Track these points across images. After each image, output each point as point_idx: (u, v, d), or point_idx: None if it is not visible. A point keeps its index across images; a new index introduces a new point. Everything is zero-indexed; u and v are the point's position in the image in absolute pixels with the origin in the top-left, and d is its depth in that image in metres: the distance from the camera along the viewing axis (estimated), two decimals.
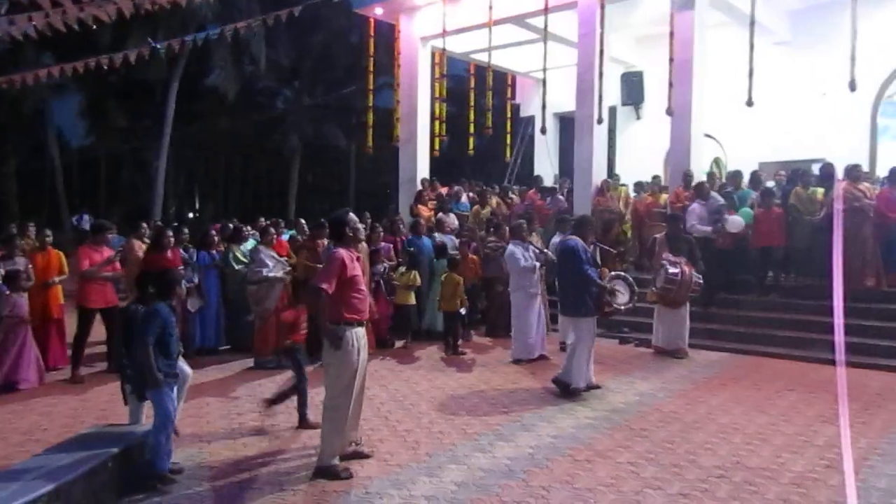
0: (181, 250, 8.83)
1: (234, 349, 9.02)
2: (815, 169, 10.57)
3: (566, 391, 6.73)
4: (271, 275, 8.21)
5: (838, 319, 7.34)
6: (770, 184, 10.68)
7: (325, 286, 4.66)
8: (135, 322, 4.88)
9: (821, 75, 12.51)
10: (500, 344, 9.34)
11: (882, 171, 10.71)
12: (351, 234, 4.95)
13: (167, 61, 22.15)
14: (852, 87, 9.13)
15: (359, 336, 4.82)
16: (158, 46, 9.75)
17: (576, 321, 6.85)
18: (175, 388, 4.79)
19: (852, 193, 8.89)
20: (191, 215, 35.05)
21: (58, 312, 8.13)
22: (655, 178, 12.91)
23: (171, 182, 28.87)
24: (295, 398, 5.94)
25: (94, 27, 8.39)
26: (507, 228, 10.58)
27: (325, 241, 8.57)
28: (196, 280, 8.77)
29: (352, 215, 5.05)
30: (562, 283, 7.12)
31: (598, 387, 6.94)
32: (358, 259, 4.99)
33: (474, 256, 10.01)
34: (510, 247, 8.56)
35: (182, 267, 8.25)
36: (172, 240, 8.22)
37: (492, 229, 10.47)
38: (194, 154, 32.10)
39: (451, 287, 9.13)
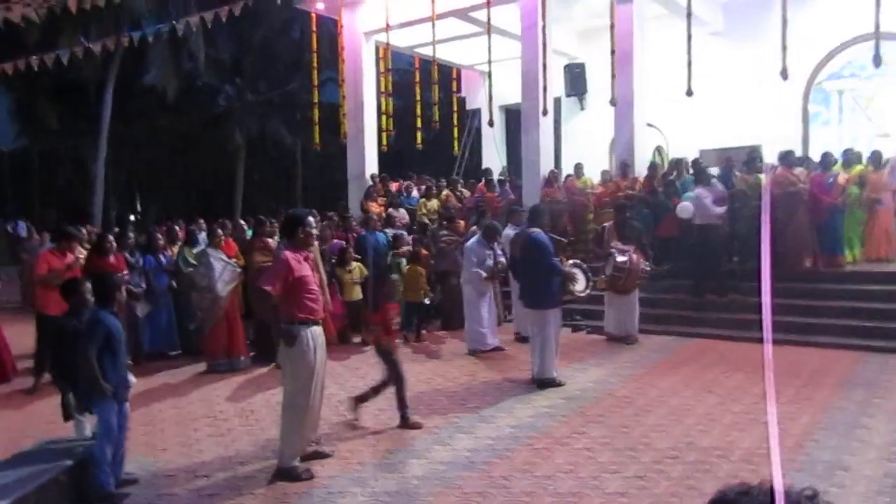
0: (126, 254, 8.58)
1: (186, 353, 8.84)
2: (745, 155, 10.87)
3: (550, 385, 6.73)
4: (217, 287, 8.05)
5: (765, 298, 7.54)
6: (714, 170, 10.96)
7: (268, 288, 4.61)
8: (67, 334, 4.75)
9: (755, 65, 12.90)
10: (455, 336, 9.38)
11: (814, 156, 11.11)
12: (303, 236, 4.86)
13: (102, 60, 21.41)
14: (784, 75, 9.45)
15: (315, 335, 4.76)
16: (90, 45, 9.39)
17: (542, 313, 6.82)
18: (124, 404, 4.64)
19: (787, 178, 9.21)
20: (132, 217, 34.03)
21: None
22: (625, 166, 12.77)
23: (110, 183, 27.93)
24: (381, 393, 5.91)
25: (23, 25, 8.05)
26: (463, 222, 10.70)
27: (275, 239, 8.48)
28: (143, 285, 8.54)
29: (311, 217, 4.97)
30: (526, 275, 7.05)
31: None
32: (307, 259, 4.92)
33: (426, 252, 10.07)
34: (472, 243, 8.59)
35: (127, 272, 8.02)
36: (115, 244, 8.01)
37: (445, 223, 10.53)
38: (134, 154, 31.07)
39: (414, 278, 9.31)
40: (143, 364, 8.11)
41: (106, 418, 4.41)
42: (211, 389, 7.21)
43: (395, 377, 5.75)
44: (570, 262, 7.30)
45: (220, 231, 8.87)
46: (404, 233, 10.46)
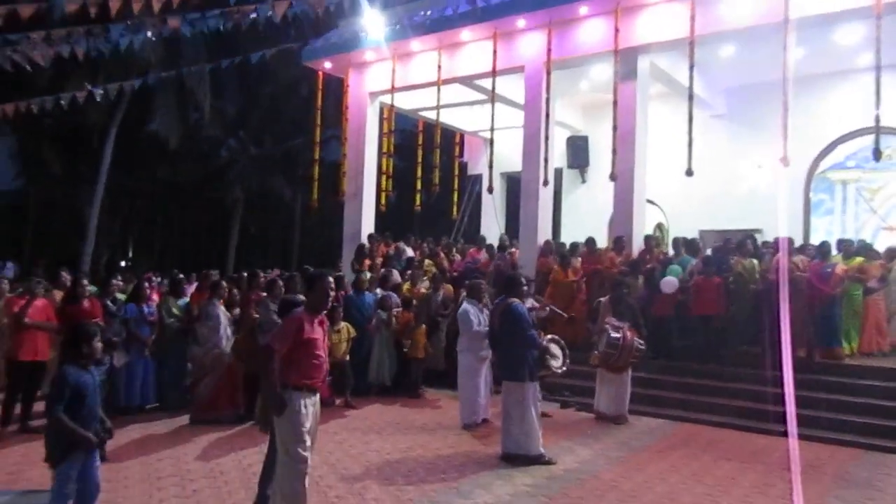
0: (108, 302, 8.59)
1: (163, 408, 8.75)
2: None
3: (537, 462, 6.64)
4: (222, 342, 8.19)
5: (788, 390, 7.55)
6: (708, 251, 11.07)
7: (277, 347, 4.53)
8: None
9: (757, 149, 13.22)
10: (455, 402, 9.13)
11: (816, 244, 11.22)
12: (321, 298, 4.75)
13: (107, 106, 21.89)
14: (784, 162, 9.66)
15: (309, 403, 4.63)
16: (96, 91, 9.68)
17: (521, 386, 6.77)
18: (94, 471, 4.49)
19: (785, 265, 9.31)
20: (122, 264, 34.06)
21: None
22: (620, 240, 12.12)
23: (103, 231, 28.04)
24: None
25: (29, 69, 8.30)
26: (451, 287, 10.78)
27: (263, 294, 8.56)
28: (123, 334, 8.51)
29: (330, 278, 4.85)
30: (504, 346, 7.02)
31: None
32: (322, 323, 4.81)
33: (408, 314, 10.32)
34: (465, 305, 8.48)
35: (100, 319, 8.02)
36: (87, 289, 8.07)
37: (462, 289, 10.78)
38: (130, 202, 31.41)
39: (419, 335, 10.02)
40: (116, 418, 7.98)
41: (61, 484, 4.29)
42: (181, 447, 7.09)
43: None
44: (548, 336, 7.28)
45: (224, 284, 8.96)
46: (393, 294, 10.51)
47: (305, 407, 4.58)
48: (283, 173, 31.22)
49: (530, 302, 8.99)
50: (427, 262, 12.77)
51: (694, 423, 8.64)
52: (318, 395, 4.74)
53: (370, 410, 9.15)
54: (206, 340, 8.30)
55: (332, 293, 4.91)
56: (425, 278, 11.60)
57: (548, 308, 9.01)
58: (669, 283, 9.80)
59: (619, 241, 11.23)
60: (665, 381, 9.69)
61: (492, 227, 17.00)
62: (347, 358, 9.52)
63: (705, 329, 10.02)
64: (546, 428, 7.42)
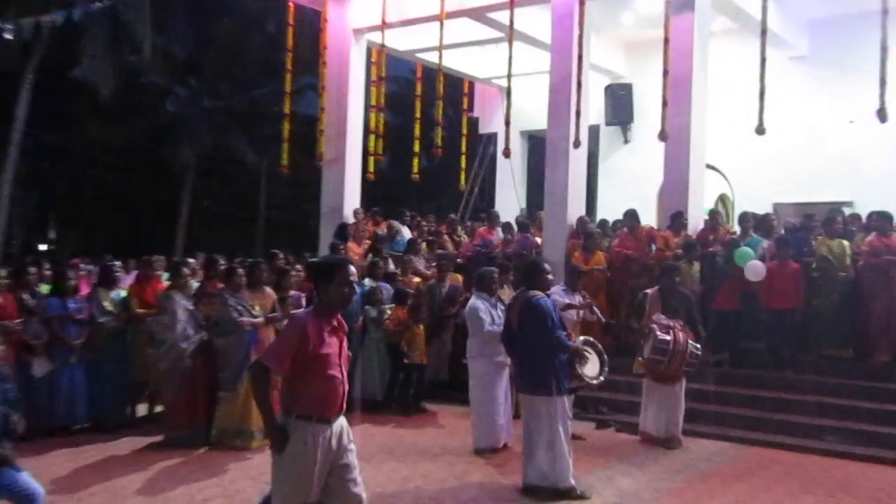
0: (25, 295, 8.60)
1: (96, 429, 8.80)
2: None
3: (568, 495, 6.65)
4: (180, 343, 8.22)
5: None
6: (782, 230, 11.03)
7: (273, 364, 4.30)
8: None
9: (847, 100, 13.11)
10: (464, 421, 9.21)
11: None
12: (337, 294, 4.40)
13: (19, 46, 21.81)
14: (882, 116, 9.59)
15: (321, 437, 4.33)
16: (6, 27, 9.64)
17: (545, 402, 6.72)
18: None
19: (877, 247, 9.31)
20: (43, 247, 34.17)
21: None
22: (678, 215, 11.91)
23: (17, 203, 28.12)
24: None
25: None
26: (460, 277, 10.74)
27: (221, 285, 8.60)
28: (45, 336, 8.52)
29: (351, 267, 4.50)
30: (524, 351, 7.01)
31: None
32: (337, 332, 4.50)
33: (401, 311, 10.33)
34: (473, 300, 8.43)
35: (20, 319, 8.06)
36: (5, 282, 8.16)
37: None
38: (52, 168, 31.41)
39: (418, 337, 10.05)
40: (37, 441, 7.99)
41: None
42: (120, 478, 7.12)
43: None
44: (581, 338, 7.26)
45: (185, 270, 8.97)
46: (386, 285, 10.53)
47: (315, 442, 4.29)
48: (245, 131, 31.17)
49: (577, 298, 9.01)
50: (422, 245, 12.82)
51: (765, 445, 8.67)
52: (332, 426, 4.44)
53: (357, 431, 9.04)
54: (160, 341, 8.34)
55: (356, 288, 4.64)
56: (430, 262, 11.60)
57: (595, 310, 8.97)
58: (756, 268, 9.67)
59: (679, 218, 11.17)
60: (728, 394, 9.71)
61: (509, 200, 16.99)
62: None
63: (780, 327, 10.01)
64: (579, 453, 7.47)
